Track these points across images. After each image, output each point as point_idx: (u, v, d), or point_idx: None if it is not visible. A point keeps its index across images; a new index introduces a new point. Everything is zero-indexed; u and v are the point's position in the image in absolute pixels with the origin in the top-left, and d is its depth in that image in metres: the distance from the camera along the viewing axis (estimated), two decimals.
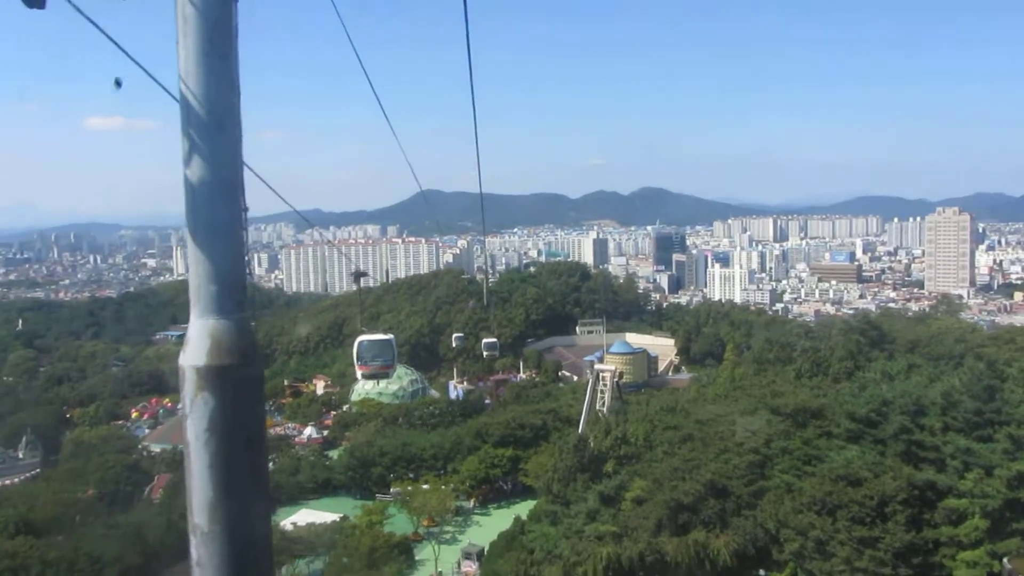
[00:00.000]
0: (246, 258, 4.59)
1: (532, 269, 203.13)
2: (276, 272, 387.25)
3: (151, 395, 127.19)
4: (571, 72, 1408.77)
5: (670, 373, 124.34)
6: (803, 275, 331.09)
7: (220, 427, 4.27)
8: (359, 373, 15.37)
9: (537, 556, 44.07)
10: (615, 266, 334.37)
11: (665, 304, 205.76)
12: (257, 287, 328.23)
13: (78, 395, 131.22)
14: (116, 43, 4.98)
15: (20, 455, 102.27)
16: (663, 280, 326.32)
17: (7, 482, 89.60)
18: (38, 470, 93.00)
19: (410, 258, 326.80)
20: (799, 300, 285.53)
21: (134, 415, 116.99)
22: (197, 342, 4.28)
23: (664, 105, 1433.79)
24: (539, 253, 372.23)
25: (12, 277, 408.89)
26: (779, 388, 47.07)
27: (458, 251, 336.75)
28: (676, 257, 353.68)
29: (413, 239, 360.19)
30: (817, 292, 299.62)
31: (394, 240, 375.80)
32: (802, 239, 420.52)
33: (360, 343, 14.35)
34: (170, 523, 55.45)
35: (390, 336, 15.64)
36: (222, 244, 4.38)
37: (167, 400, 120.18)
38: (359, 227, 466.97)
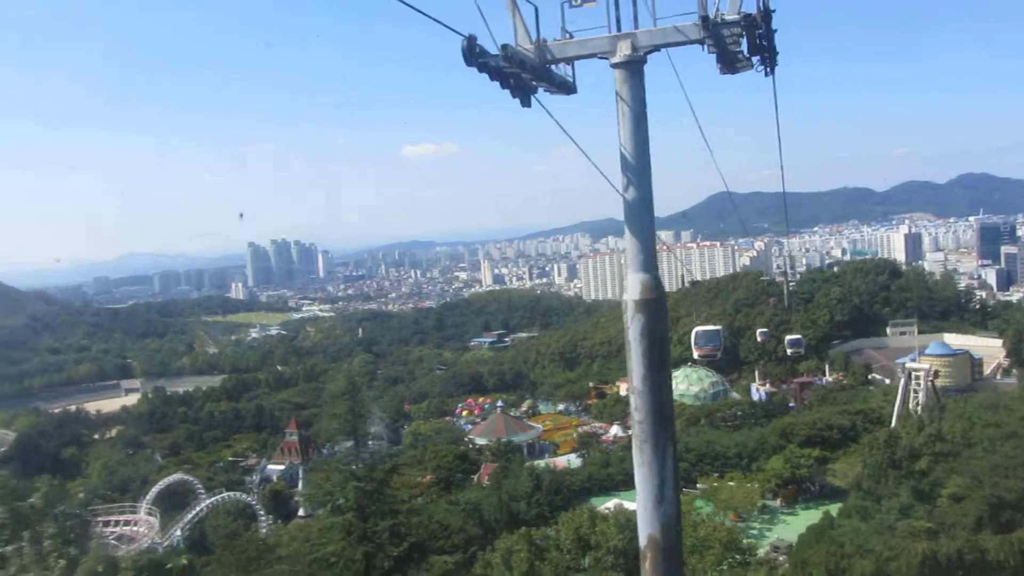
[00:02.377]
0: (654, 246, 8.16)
1: (836, 269, 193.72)
2: (575, 281, 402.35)
3: (472, 394, 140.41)
4: (870, 51, 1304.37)
5: (998, 376, 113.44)
6: None
7: (646, 332, 7.91)
8: (696, 354, 18.51)
9: (847, 550, 44.34)
10: (931, 262, 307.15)
11: (992, 302, 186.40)
12: (558, 296, 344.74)
13: (412, 393, 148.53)
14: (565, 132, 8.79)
15: (371, 443, 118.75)
16: (990, 276, 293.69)
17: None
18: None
19: (705, 262, 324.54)
20: None
21: (461, 412, 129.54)
22: (632, 286, 7.95)
23: (980, 76, 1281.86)
24: (843, 252, 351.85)
25: (350, 292, 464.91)
26: None
27: (755, 253, 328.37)
28: (1005, 250, 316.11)
29: (708, 243, 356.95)
30: None
31: (688, 245, 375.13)
32: None
33: (696, 332, 17.57)
34: (500, 502, 62.59)
35: (719, 327, 18.84)
36: (643, 234, 8.01)
37: (483, 399, 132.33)
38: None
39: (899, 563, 39.00)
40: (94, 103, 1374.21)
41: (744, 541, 26.99)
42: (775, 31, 7.50)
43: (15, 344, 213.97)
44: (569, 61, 8.34)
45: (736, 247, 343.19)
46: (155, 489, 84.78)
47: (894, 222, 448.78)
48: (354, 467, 19.47)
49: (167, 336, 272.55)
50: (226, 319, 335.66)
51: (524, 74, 7.92)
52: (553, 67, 8.29)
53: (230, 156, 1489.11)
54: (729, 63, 7.94)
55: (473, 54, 7.31)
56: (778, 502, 70.85)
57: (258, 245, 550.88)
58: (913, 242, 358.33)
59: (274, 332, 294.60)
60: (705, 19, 7.24)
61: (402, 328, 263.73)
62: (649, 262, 7.94)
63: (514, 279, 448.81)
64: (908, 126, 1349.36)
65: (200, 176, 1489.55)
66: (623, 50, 7.72)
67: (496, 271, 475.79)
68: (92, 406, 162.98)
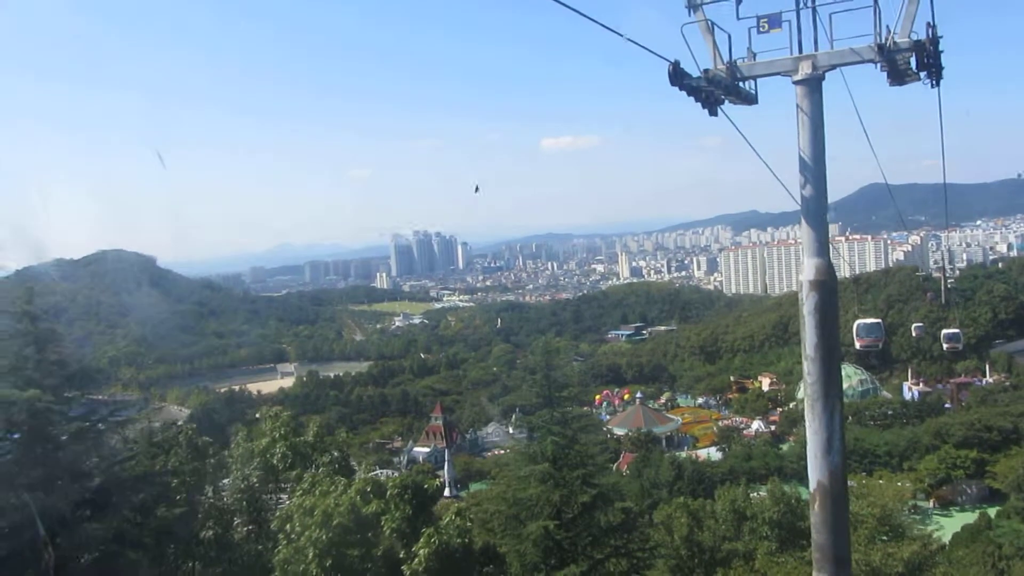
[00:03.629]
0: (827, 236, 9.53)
1: (1000, 265, 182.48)
2: (715, 274, 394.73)
3: (609, 386, 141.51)
4: None
5: None
6: None
7: (819, 307, 9.33)
8: (857, 345, 19.47)
9: (1006, 551, 43.24)
10: None
11: None
12: (697, 289, 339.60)
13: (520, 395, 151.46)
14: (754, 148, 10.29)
15: (511, 430, 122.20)
16: None
17: (503, 451, 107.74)
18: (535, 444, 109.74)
19: (855, 256, 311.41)
20: None
21: (600, 402, 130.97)
22: (808, 269, 9.39)
23: None
24: (1009, 247, 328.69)
25: (488, 283, 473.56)
26: None
27: (909, 248, 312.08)
28: None
29: (858, 236, 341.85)
30: None
31: (837, 238, 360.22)
32: None
33: (858, 324, 18.56)
34: (642, 489, 63.78)
35: (880, 320, 19.78)
36: (818, 225, 9.41)
37: (625, 392, 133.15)
38: (797, 227, 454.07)
39: None
40: (255, 95, 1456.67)
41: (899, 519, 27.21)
42: (941, 52, 8.75)
43: (185, 328, 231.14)
44: (755, 78, 9.83)
45: (889, 241, 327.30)
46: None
47: None
48: (551, 425, 21.92)
49: (318, 323, 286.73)
50: (371, 308, 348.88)
51: (716, 90, 9.51)
52: (740, 83, 9.83)
53: (378, 150, 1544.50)
54: (898, 77, 9.24)
55: (678, 76, 8.98)
56: (931, 503, 68.70)
57: (401, 237, 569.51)
58: None
59: (417, 321, 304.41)
60: (881, 46, 8.58)
61: (539, 319, 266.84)
62: (823, 249, 9.38)
63: (652, 272, 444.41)
64: None
65: (349, 169, 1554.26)
66: (804, 69, 9.17)
67: (634, 264, 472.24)
68: (253, 387, 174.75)
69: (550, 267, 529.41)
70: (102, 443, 14.94)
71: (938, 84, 9.36)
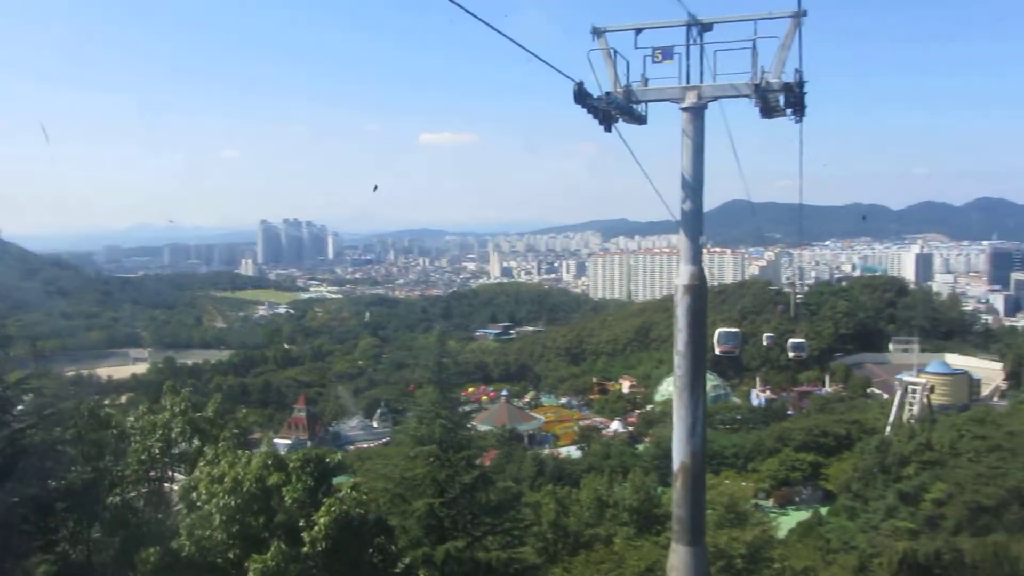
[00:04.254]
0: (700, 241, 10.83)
1: (844, 283, 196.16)
2: (583, 278, 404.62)
3: (477, 383, 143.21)
4: (892, 69, 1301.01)
5: (995, 399, 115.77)
6: None
7: (691, 309, 10.61)
8: (717, 351, 21.34)
9: (833, 545, 47.06)
10: (940, 283, 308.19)
11: (997, 327, 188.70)
12: (565, 292, 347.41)
13: (417, 379, 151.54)
14: (634, 155, 11.49)
15: (375, 424, 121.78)
16: (997, 301, 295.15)
17: (365, 445, 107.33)
18: (389, 437, 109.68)
19: (714, 268, 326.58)
20: None
21: (463, 395, 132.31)
22: (683, 274, 10.64)
23: (1004, 102, 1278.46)
24: (854, 267, 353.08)
25: (358, 276, 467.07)
26: None
27: (765, 263, 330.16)
28: (1016, 276, 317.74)
29: (718, 249, 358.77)
30: None
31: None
32: None
33: (719, 332, 20.41)
34: (505, 487, 65.32)
35: (739, 330, 21.82)
36: (694, 236, 10.71)
37: (492, 390, 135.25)
38: (663, 236, 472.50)
39: (881, 560, 41.72)
40: (119, 72, 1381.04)
41: (743, 508, 29.74)
42: (805, 92, 10.19)
43: (29, 306, 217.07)
44: (646, 102, 11.03)
45: (747, 255, 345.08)
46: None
47: (907, 241, 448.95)
48: (440, 409, 23.02)
49: (177, 308, 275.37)
50: (235, 295, 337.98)
51: (613, 110, 10.65)
52: (634, 105, 11.01)
53: (249, 133, 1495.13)
54: (768, 112, 10.65)
55: (582, 96, 10.05)
56: (770, 502, 73.44)
57: (270, 223, 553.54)
58: (924, 262, 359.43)
59: (282, 311, 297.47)
60: (757, 85, 9.93)
61: (409, 315, 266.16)
62: (697, 257, 10.69)
63: (522, 273, 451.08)
64: (929, 147, 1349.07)
65: (219, 151, 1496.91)
66: (691, 98, 10.44)
67: (505, 264, 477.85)
68: (103, 371, 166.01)
69: (422, 263, 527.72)
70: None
71: (801, 120, 10.85)
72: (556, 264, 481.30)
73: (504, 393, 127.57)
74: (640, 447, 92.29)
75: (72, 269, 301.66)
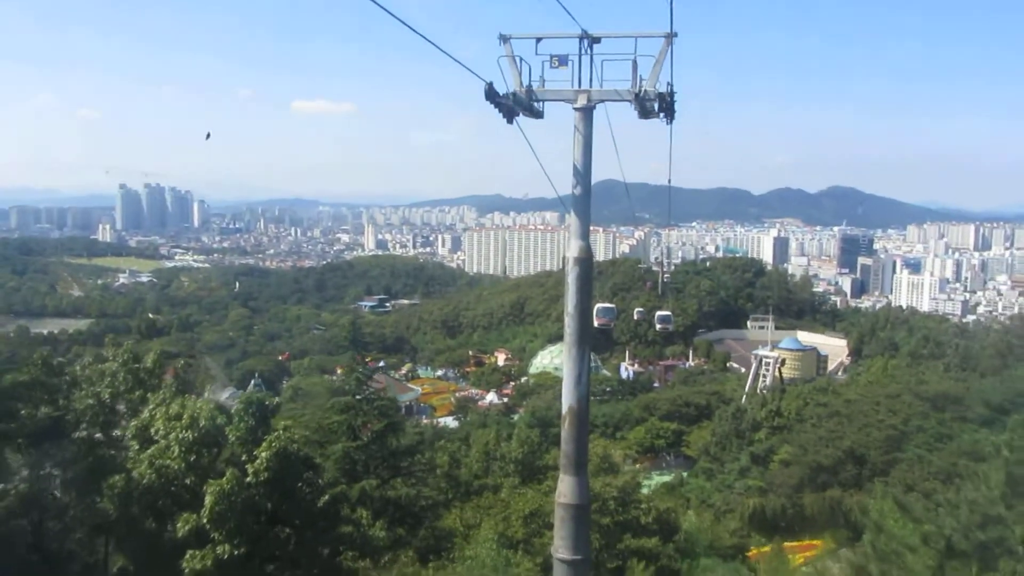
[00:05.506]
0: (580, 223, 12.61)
1: (708, 263, 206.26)
2: (459, 253, 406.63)
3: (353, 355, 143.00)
4: (761, 62, 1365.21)
5: (840, 373, 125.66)
6: (1003, 288, 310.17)
7: (579, 277, 12.47)
8: (595, 323, 23.63)
9: (692, 504, 50.99)
10: (795, 266, 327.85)
11: (844, 307, 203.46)
12: (441, 266, 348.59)
13: (291, 350, 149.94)
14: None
15: None
16: (845, 283, 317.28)
17: None
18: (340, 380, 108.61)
19: None
20: (994, 313, 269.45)
21: (339, 371, 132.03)
22: (574, 248, 12.46)
23: (860, 98, 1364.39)
24: (717, 249, 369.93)
25: (226, 245, 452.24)
26: (925, 378, 51.45)
27: (634, 242, 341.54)
28: (862, 260, 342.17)
29: (592, 228, 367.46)
30: (1017, 306, 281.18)
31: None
32: (1007, 249, 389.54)
33: (597, 307, 22.66)
34: (410, 434, 66.69)
35: (614, 305, 24.27)
36: (583, 216, 12.53)
37: (368, 360, 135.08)
38: (538, 213, 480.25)
39: (734, 514, 45.78)
40: None
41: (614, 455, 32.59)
42: (675, 101, 12.15)
43: None
44: (543, 101, 12.74)
45: (618, 234, 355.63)
46: None
47: (766, 225, 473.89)
48: (356, 365, 25.08)
49: (27, 275, 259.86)
50: (92, 262, 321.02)
51: (516, 106, 12.31)
52: (534, 103, 12.70)
53: (111, 92, 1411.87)
54: (645, 114, 12.53)
55: (493, 94, 11.65)
56: (637, 467, 77.75)
57: (129, 188, 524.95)
58: (781, 245, 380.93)
59: (145, 280, 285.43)
60: (637, 93, 11.82)
61: (281, 286, 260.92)
62: (585, 234, 12.53)
63: (398, 246, 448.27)
64: (790, 136, 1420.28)
65: (75, 109, 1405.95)
66: (582, 100, 12.21)
67: (380, 236, 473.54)
68: None
69: (294, 233, 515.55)
70: None
71: (671, 123, 12.84)
72: (432, 238, 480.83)
73: (380, 364, 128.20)
74: (515, 417, 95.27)
75: None
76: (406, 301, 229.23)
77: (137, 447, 17.71)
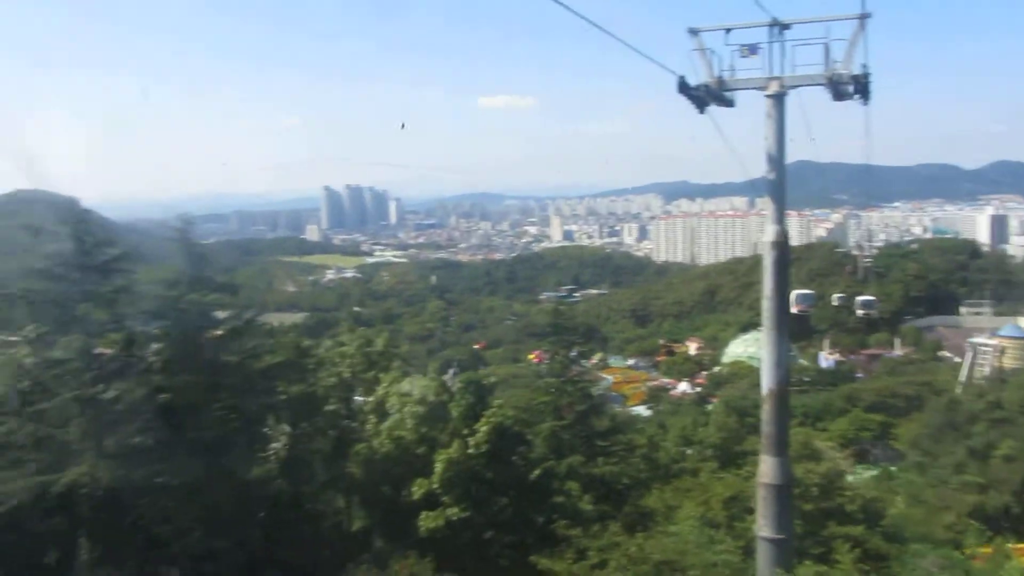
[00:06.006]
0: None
1: (914, 246, 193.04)
2: (645, 241, 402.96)
3: (543, 346, 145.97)
4: (967, 25, 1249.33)
5: None
6: None
7: (776, 261, 12.90)
8: (794, 309, 23.87)
9: (902, 499, 48.49)
10: (1016, 247, 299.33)
11: None
12: (628, 255, 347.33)
13: (486, 339, 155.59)
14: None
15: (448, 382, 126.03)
16: None
17: None
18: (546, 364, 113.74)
19: None
20: None
21: (531, 358, 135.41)
22: (770, 232, 12.95)
23: None
24: (924, 230, 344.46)
25: (420, 240, 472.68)
26: None
27: (831, 225, 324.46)
28: None
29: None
30: None
31: (763, 212, 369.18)
32: None
33: (795, 293, 23.04)
34: (612, 416, 68.23)
35: (812, 292, 24.52)
36: (779, 201, 12.94)
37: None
38: (726, 199, 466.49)
39: (949, 511, 43.17)
40: (184, 35, 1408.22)
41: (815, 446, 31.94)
42: (870, 81, 12.29)
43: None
44: (734, 90, 13.24)
45: (812, 218, 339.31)
46: None
47: (980, 202, 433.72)
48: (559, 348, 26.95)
49: (248, 274, 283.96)
50: (302, 260, 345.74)
51: (707, 97, 12.90)
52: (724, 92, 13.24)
53: (308, 101, 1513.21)
54: (839, 96, 12.76)
55: (685, 87, 12.32)
56: (840, 456, 74.62)
57: (333, 189, 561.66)
58: (998, 224, 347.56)
59: (349, 275, 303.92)
60: (830, 77, 12.09)
61: (473, 278, 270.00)
62: (781, 218, 12.96)
63: (584, 236, 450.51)
64: (1005, 103, 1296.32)
65: (280, 118, 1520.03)
66: (773, 87, 12.63)
67: (566, 227, 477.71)
68: None
69: (483, 227, 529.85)
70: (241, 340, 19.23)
71: (867, 103, 12.96)
72: (618, 227, 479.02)
73: (574, 353, 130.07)
74: (709, 407, 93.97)
75: (149, 236, 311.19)
76: (594, 291, 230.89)
77: (375, 420, 20.01)
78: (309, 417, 20.01)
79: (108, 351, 17.66)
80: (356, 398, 21.96)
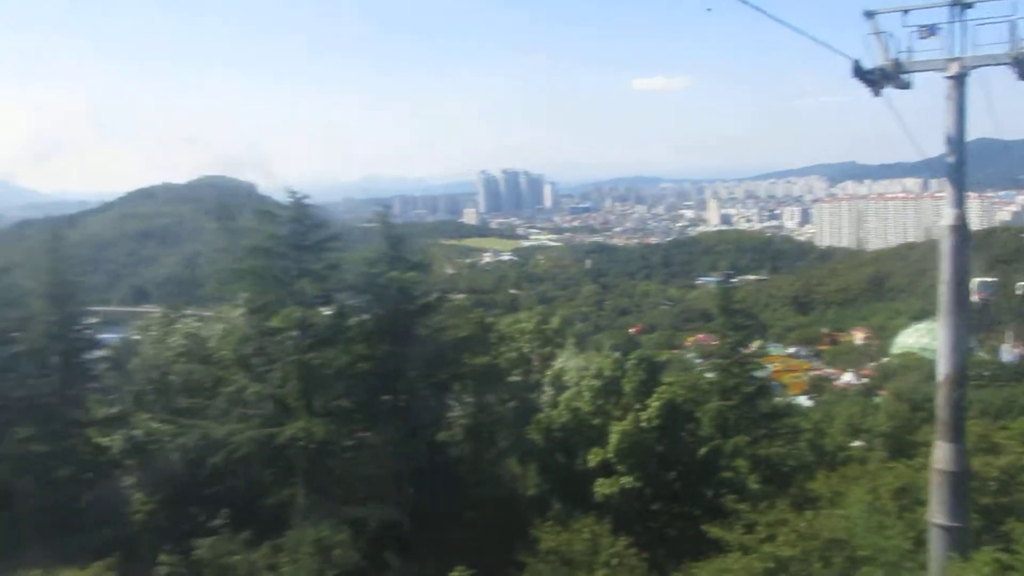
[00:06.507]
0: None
1: None
2: (808, 226, 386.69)
3: (700, 332, 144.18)
4: None
5: None
6: None
7: (956, 245, 13.10)
8: (975, 298, 23.20)
9: None
10: None
11: None
12: (789, 240, 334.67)
13: (641, 324, 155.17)
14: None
15: None
16: None
17: None
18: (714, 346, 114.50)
19: None
20: None
21: (688, 343, 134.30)
22: (949, 216, 13.15)
23: None
24: None
25: (575, 223, 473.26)
26: None
27: (1016, 208, 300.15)
28: None
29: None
30: None
31: (937, 195, 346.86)
32: None
33: (976, 281, 22.28)
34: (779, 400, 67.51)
35: (995, 280, 23.63)
36: (958, 184, 13.07)
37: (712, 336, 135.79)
38: (897, 180, 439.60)
39: None
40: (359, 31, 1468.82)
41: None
42: None
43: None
44: (912, 72, 13.46)
45: (995, 200, 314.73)
46: None
47: None
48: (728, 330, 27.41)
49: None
50: (460, 243, 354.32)
51: (883, 80, 13.22)
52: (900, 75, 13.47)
53: (467, 87, 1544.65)
54: None
55: (860, 71, 12.72)
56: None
57: (489, 174, 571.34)
58: None
59: (506, 258, 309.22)
60: (1016, 56, 12.14)
61: (628, 262, 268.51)
62: (961, 202, 13.14)
63: (742, 220, 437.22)
64: None
65: (439, 105, 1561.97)
66: (954, 68, 12.81)
67: (723, 211, 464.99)
68: None
69: (638, 210, 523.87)
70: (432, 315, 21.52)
71: None
72: (778, 211, 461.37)
73: (740, 336, 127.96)
74: (876, 400, 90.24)
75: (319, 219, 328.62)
76: (752, 277, 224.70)
77: (552, 392, 21.40)
78: (492, 387, 21.60)
79: (319, 322, 19.84)
80: (533, 372, 23.43)
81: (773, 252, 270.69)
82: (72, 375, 21.48)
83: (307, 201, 20.77)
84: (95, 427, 21.70)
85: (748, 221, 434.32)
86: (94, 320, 23.35)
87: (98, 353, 23.26)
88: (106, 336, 26.35)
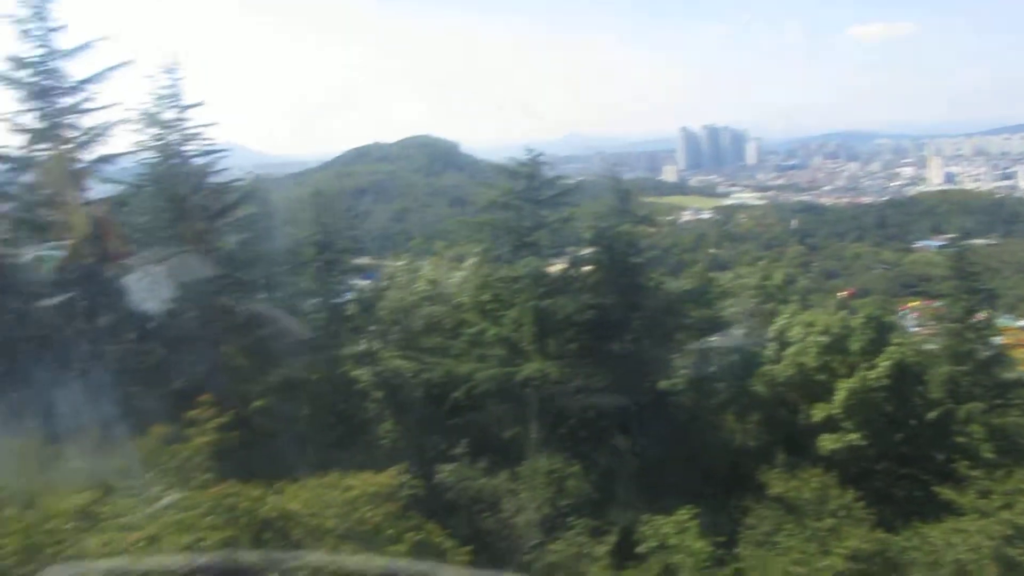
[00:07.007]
0: None
1: None
2: None
3: (918, 297, 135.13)
4: None
5: None
6: None
7: None
8: None
9: None
10: None
11: None
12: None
13: (853, 287, 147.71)
14: None
15: None
16: None
17: None
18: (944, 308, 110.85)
19: None
20: None
21: (903, 310, 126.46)
22: None
23: None
24: None
25: (780, 181, 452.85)
26: None
27: None
28: None
29: None
30: None
31: None
32: None
33: None
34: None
35: None
36: None
37: (939, 305, 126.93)
38: None
39: None
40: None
41: None
42: None
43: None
44: None
45: None
46: None
47: None
48: (960, 294, 26.94)
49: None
50: (660, 200, 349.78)
51: None
52: None
53: (662, 37, 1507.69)
54: None
55: None
56: None
57: (690, 130, 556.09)
58: None
59: (706, 216, 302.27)
60: None
61: (838, 223, 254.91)
62: None
63: (969, 180, 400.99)
64: None
65: (637, 60, 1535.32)
66: None
67: (947, 169, 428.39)
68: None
69: (850, 168, 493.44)
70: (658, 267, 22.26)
71: None
72: (1012, 170, 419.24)
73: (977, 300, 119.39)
74: None
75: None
76: (981, 241, 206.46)
77: (777, 347, 21.64)
78: (714, 339, 22.17)
79: (552, 272, 21.20)
80: (756, 326, 23.64)
81: (1006, 214, 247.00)
82: (334, 316, 24.15)
83: (541, 159, 22.00)
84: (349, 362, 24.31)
85: (976, 180, 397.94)
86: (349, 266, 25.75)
87: (348, 296, 25.90)
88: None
